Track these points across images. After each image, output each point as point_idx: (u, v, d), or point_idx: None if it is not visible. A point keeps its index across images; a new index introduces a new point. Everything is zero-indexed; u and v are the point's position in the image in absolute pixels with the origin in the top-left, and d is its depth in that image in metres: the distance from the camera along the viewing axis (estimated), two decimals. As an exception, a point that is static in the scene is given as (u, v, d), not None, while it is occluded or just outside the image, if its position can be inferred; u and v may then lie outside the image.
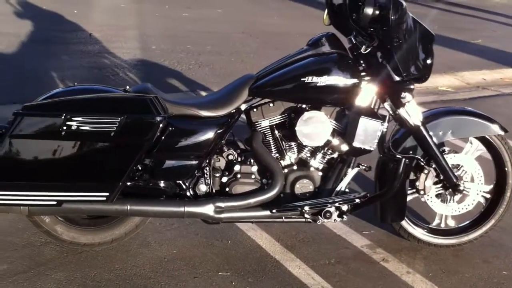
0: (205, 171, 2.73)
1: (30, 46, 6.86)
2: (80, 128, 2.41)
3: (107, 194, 2.50)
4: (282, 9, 11.35)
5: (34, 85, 5.33)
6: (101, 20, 8.69)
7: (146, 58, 6.79)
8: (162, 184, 2.70)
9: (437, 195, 3.04)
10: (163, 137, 2.57)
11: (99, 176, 2.51)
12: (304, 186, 2.77)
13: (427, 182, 2.96)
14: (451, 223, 3.12)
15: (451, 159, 2.97)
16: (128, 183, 2.59)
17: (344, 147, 2.75)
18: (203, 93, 5.65)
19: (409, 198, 3.02)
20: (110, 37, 7.62)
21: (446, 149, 3.00)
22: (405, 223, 3.06)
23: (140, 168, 2.62)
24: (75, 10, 8.95)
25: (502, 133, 2.98)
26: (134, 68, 6.34)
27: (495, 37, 10.59)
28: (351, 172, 2.81)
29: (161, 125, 2.50)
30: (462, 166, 3.01)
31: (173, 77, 6.14)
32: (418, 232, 3.09)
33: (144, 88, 2.69)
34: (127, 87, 2.78)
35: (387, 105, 2.82)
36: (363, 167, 2.85)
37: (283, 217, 2.79)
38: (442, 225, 3.12)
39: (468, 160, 3.02)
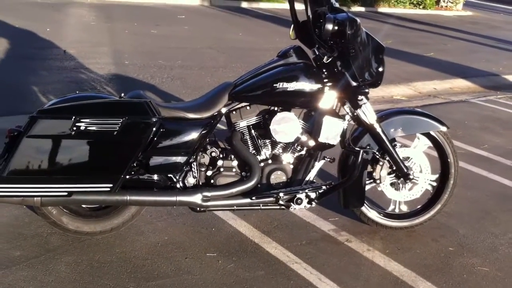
0: (192, 166, 3.16)
1: (8, 62, 7.14)
2: (88, 128, 2.81)
3: (111, 185, 2.91)
4: (247, 26, 11.89)
5: (16, 98, 5.66)
6: (74, 37, 9.02)
7: (121, 73, 7.17)
8: (155, 177, 3.11)
9: (391, 184, 3.53)
10: (156, 137, 2.98)
11: (104, 170, 2.91)
12: (278, 177, 3.23)
13: (382, 172, 3.46)
14: (404, 208, 3.61)
15: (402, 152, 3.47)
16: (127, 177, 2.99)
17: (311, 143, 3.22)
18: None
19: (367, 187, 3.49)
20: (84, 53, 7.95)
21: (398, 144, 3.50)
22: (365, 209, 3.53)
23: (137, 163, 3.03)
24: (48, 28, 9.26)
25: (444, 129, 3.49)
26: (110, 82, 6.70)
27: (446, 50, 11.35)
28: (318, 164, 3.28)
29: (155, 125, 2.92)
30: (411, 158, 3.52)
31: (148, 89, 6.51)
32: (376, 217, 3.56)
33: (137, 94, 3.11)
34: (122, 94, 3.19)
35: (346, 107, 3.31)
36: (328, 159, 3.32)
37: (261, 205, 3.23)
38: (396, 210, 3.61)
39: (417, 153, 3.53)
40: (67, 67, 7.25)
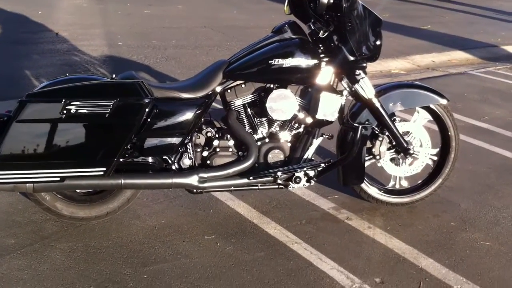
0: (187, 147, 3.09)
1: (0, 47, 7.06)
2: (79, 111, 2.73)
3: (104, 169, 2.84)
4: (242, 4, 11.71)
5: (8, 83, 5.58)
6: (66, 19, 8.91)
7: (114, 54, 7.07)
8: (150, 159, 3.04)
9: (391, 159, 3.46)
10: (149, 118, 2.90)
11: (96, 153, 2.83)
12: (275, 156, 3.16)
13: (382, 147, 3.39)
14: (405, 184, 3.54)
15: (401, 127, 3.40)
16: (121, 160, 2.92)
17: (309, 120, 3.15)
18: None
19: (367, 163, 3.43)
20: (77, 35, 7.85)
21: (397, 118, 3.42)
22: (365, 186, 3.47)
23: (130, 146, 2.95)
24: (39, 11, 9.14)
25: (444, 102, 3.41)
26: (104, 64, 6.61)
27: (444, 23, 11.19)
28: (316, 141, 3.21)
29: (148, 106, 2.84)
30: (411, 133, 3.44)
31: (143, 70, 6.43)
32: (376, 193, 3.50)
33: (129, 75, 3.02)
34: (113, 75, 3.10)
35: (344, 82, 3.23)
36: (326, 136, 3.25)
37: (259, 185, 3.16)
38: (397, 186, 3.55)
39: (417, 127, 3.45)
40: (60, 50, 7.16)
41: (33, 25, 8.34)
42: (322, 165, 3.18)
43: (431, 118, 3.51)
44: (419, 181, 3.61)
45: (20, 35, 7.72)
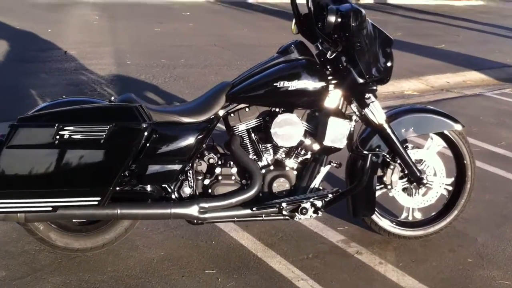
0: (188, 174, 2.93)
1: (7, 65, 6.99)
2: (72, 136, 2.58)
3: (99, 198, 2.68)
4: (252, 21, 11.64)
5: (12, 103, 5.48)
6: (75, 37, 8.84)
7: (122, 73, 6.96)
8: (148, 188, 2.89)
9: (403, 189, 3.28)
10: (148, 144, 2.75)
11: (91, 182, 2.68)
12: (281, 185, 2.99)
13: (393, 177, 3.20)
14: (418, 216, 3.35)
15: (414, 154, 3.22)
16: (117, 188, 2.76)
17: (316, 147, 2.98)
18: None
19: (378, 193, 3.24)
20: (85, 54, 7.77)
21: (409, 145, 3.24)
22: (376, 217, 3.28)
23: (127, 173, 2.80)
24: (49, 29, 9.09)
25: (459, 128, 3.23)
26: (111, 84, 6.50)
27: (458, 42, 11.01)
28: (324, 170, 3.03)
29: (146, 131, 2.69)
30: (424, 161, 3.26)
31: (150, 90, 6.32)
32: (388, 225, 3.31)
33: (128, 97, 2.88)
34: (112, 98, 2.97)
35: (353, 106, 3.06)
36: (334, 164, 3.08)
37: (263, 215, 3.00)
38: (410, 218, 3.36)
39: (430, 155, 3.27)
40: (67, 68, 7.07)
41: (42, 43, 8.28)
42: (330, 195, 3.00)
43: (446, 145, 3.33)
44: (434, 213, 3.42)
45: (29, 53, 7.65)
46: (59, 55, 7.68)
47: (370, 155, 2.97)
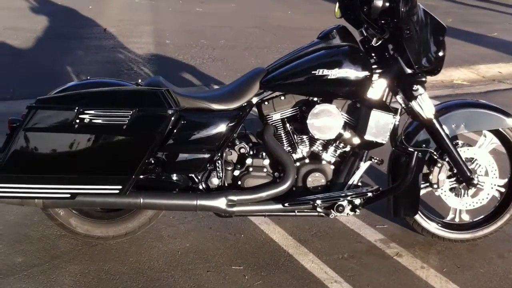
0: (217, 164, 2.74)
1: (45, 42, 6.93)
2: (93, 121, 2.42)
3: (120, 187, 2.52)
4: (297, 4, 11.31)
5: (49, 80, 5.37)
6: (116, 15, 8.75)
7: (160, 53, 6.82)
8: (174, 177, 2.71)
9: (451, 189, 3.01)
10: (175, 130, 2.57)
11: (112, 169, 2.52)
12: (316, 180, 2.77)
13: (441, 176, 2.94)
14: (466, 218, 3.09)
15: (464, 152, 2.95)
16: (141, 176, 2.60)
17: (356, 140, 2.74)
18: (217, 87, 5.65)
19: (422, 192, 2.99)
20: (125, 32, 7.66)
21: (460, 142, 2.97)
22: (419, 217, 3.03)
23: (152, 161, 2.63)
24: (90, 6, 9.01)
25: (515, 125, 2.94)
26: (148, 63, 6.37)
27: (511, 30, 10.46)
28: (363, 166, 2.80)
29: (172, 118, 2.51)
30: (476, 159, 2.98)
31: (187, 71, 6.16)
32: (432, 227, 3.05)
33: (155, 81, 2.70)
34: (139, 80, 2.80)
35: (399, 97, 2.80)
36: (375, 161, 2.83)
37: (296, 211, 2.79)
38: (456, 220, 3.09)
39: (482, 154, 2.99)
40: (106, 46, 6.97)
41: (82, 20, 8.21)
42: (370, 194, 2.76)
43: (500, 143, 3.04)
44: (483, 215, 3.14)
45: (68, 29, 7.58)
46: (98, 32, 7.59)
47: (416, 152, 2.72)
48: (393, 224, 3.24)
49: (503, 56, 8.09)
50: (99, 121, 2.43)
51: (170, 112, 2.49)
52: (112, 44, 7.09)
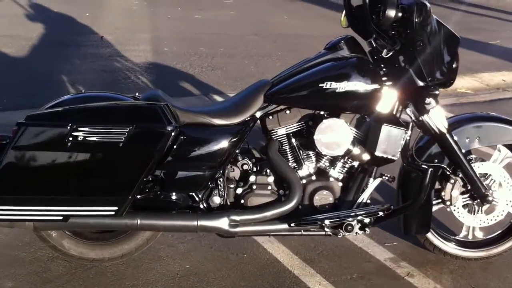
0: (219, 182, 2.59)
1: (41, 50, 6.81)
2: (87, 138, 2.27)
3: (115, 208, 2.37)
4: (294, 10, 11.19)
5: (44, 89, 5.24)
6: (113, 23, 8.62)
7: (158, 61, 6.69)
8: (174, 196, 2.56)
9: (464, 206, 2.87)
10: (174, 147, 2.43)
11: (107, 190, 2.38)
12: (323, 198, 2.62)
13: (454, 192, 2.79)
14: (479, 235, 2.95)
15: (478, 167, 2.81)
16: (138, 196, 2.45)
17: (366, 156, 2.60)
18: (216, 97, 5.53)
19: (434, 208, 2.85)
20: (122, 40, 7.54)
21: (473, 157, 2.83)
22: (431, 235, 2.89)
23: (150, 179, 2.49)
24: (87, 13, 8.89)
25: (531, 139, 2.80)
26: (145, 72, 6.23)
27: (513, 37, 10.35)
28: (373, 183, 2.65)
29: (172, 135, 2.36)
30: (490, 175, 2.84)
31: (186, 80, 6.02)
32: (445, 245, 2.91)
33: (154, 95, 2.55)
34: (137, 93, 2.65)
35: (409, 111, 2.66)
36: (386, 178, 2.69)
37: (302, 230, 2.65)
38: (470, 237, 2.95)
39: (497, 169, 2.85)
40: (102, 54, 6.84)
41: (79, 27, 8.08)
42: (380, 213, 2.62)
43: (515, 158, 2.90)
44: (497, 232, 2.99)
45: (64, 36, 7.46)
46: (95, 40, 7.46)
47: (430, 170, 2.58)
48: (402, 241, 3.10)
49: (506, 64, 7.97)
50: (94, 138, 2.28)
51: (169, 128, 2.34)
52: (109, 52, 6.96)
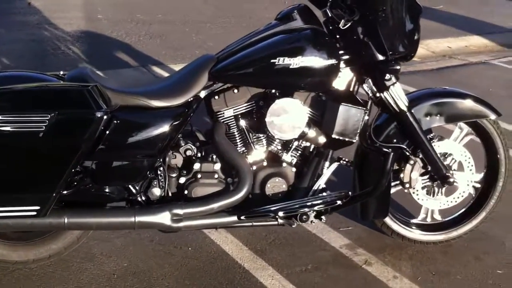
0: (158, 171, 2.30)
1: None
2: (1, 129, 1.93)
3: (37, 207, 2.05)
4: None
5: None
6: (41, -13, 8.00)
7: (91, 30, 6.23)
8: (107, 189, 2.26)
9: (423, 187, 2.69)
10: (106, 134, 2.11)
11: (27, 187, 2.05)
12: (276, 186, 2.38)
13: (413, 174, 2.61)
14: (438, 217, 2.79)
15: (439, 147, 2.62)
16: (65, 192, 2.14)
17: (322, 139, 2.36)
18: (155, 68, 5.17)
19: (392, 190, 2.65)
20: (52, 6, 7.03)
21: (433, 135, 2.64)
22: (389, 219, 2.70)
23: (80, 171, 2.17)
24: (12, -24, 8.21)
25: (494, 117, 2.63)
26: (77, 41, 5.78)
27: (455, 2, 10.31)
28: (330, 168, 2.43)
29: (102, 120, 2.04)
30: (450, 154, 2.67)
31: (122, 50, 5.62)
32: (403, 229, 2.74)
33: (81, 73, 2.22)
34: (61, 72, 2.31)
35: (366, 87, 2.44)
36: (344, 162, 2.47)
37: (253, 222, 2.40)
38: (428, 220, 2.79)
39: (457, 148, 2.68)
40: (30, 22, 6.33)
41: (4, -7, 7.44)
42: (338, 202, 2.39)
43: (476, 136, 2.73)
44: (456, 214, 2.84)
45: (-14, 3, 6.85)
46: (22, 7, 6.90)
47: (392, 154, 2.37)
48: (358, 225, 2.92)
49: (451, 30, 7.90)
50: (9, 128, 1.93)
51: (98, 114, 2.02)
52: (37, 19, 6.45)
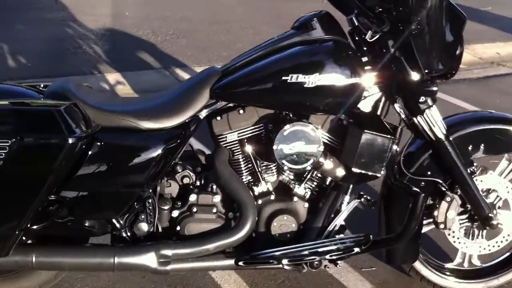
0: (147, 203, 1.98)
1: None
2: (-48, 155, 1.64)
3: (-2, 247, 1.76)
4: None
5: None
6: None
7: (117, 27, 5.99)
8: (87, 223, 1.95)
9: (461, 229, 2.30)
10: (86, 159, 1.81)
11: (-16, 223, 1.76)
12: (284, 225, 2.03)
13: (450, 213, 2.21)
14: (477, 262, 2.40)
15: (481, 182, 2.23)
16: (35, 227, 1.84)
17: (340, 171, 2.00)
18: (178, 71, 4.88)
19: (424, 229, 2.27)
20: (79, 2, 6.80)
21: (475, 168, 2.24)
22: (418, 264, 2.33)
23: (55, 200, 1.86)
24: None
25: (550, 148, 2.22)
26: (100, 40, 5.54)
27: (506, 4, 9.75)
28: (348, 206, 2.06)
29: (77, 147, 1.73)
30: (495, 190, 2.26)
31: (145, 50, 5.36)
32: (434, 275, 2.36)
33: (62, 88, 1.92)
34: (41, 84, 2.01)
35: (398, 107, 2.07)
36: (365, 201, 2.09)
37: (256, 266, 2.06)
38: (465, 265, 2.40)
39: (504, 183, 2.27)
40: (55, 19, 6.13)
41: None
42: (356, 249, 2.02)
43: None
44: (498, 259, 2.44)
45: (13, -1, 6.69)
46: (48, 3, 6.69)
47: (422, 195, 1.99)
48: (382, 265, 2.52)
49: (500, 34, 7.37)
50: (-40, 156, 1.65)
51: (70, 140, 1.70)
52: (63, 16, 6.25)
